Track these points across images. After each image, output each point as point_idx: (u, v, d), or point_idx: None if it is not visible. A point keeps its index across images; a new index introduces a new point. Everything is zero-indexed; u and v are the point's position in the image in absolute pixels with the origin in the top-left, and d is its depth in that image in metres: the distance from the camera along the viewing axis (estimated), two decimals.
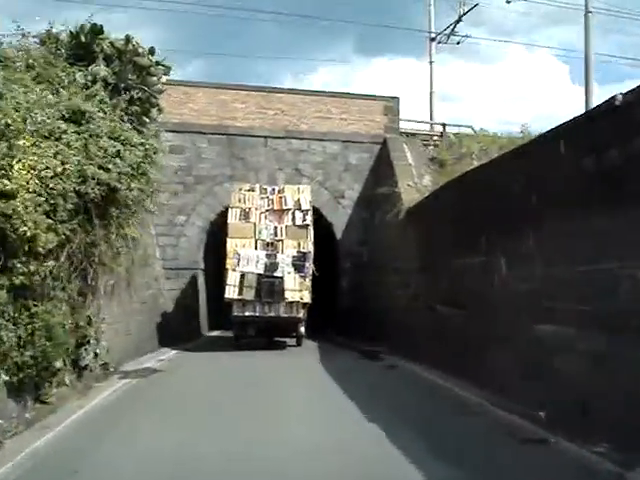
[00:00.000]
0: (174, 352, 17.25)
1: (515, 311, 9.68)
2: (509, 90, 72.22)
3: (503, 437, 7.65)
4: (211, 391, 10.91)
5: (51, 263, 8.51)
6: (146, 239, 18.91)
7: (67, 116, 9.82)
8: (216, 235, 22.47)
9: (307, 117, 22.98)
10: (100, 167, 9.53)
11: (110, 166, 9.73)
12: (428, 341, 14.04)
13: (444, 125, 25.30)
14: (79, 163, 8.94)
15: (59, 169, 8.41)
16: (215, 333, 23.21)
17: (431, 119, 28.93)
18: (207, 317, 23.40)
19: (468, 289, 11.83)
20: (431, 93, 31.55)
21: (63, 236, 8.69)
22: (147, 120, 16.78)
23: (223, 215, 21.44)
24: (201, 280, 22.42)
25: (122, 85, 16.21)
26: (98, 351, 12.72)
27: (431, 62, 32.19)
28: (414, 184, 20.22)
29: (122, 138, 10.63)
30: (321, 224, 22.46)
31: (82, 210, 9.29)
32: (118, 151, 10.16)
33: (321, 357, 16.28)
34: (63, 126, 9.34)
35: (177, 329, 20.56)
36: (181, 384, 11.74)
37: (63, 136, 9.18)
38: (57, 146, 8.81)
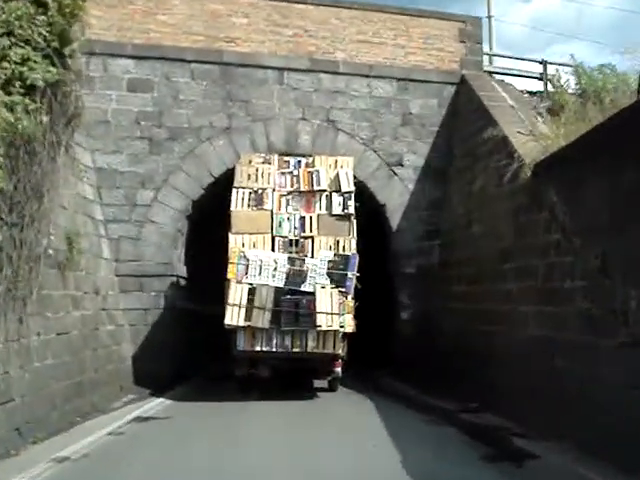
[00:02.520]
0: (112, 426, 9.34)
1: None
2: None
3: None
4: None
5: None
6: (78, 224, 11.24)
7: None
8: (204, 223, 14.89)
9: (344, 41, 15.19)
10: None
11: None
12: None
13: (545, 63, 17.36)
14: None
15: None
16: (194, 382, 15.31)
17: None
18: (189, 350, 15.46)
19: None
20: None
21: None
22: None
23: (215, 190, 14.02)
24: (181, 293, 14.50)
25: None
26: None
27: (489, 17, 24.30)
28: (528, 131, 12.31)
29: None
30: (367, 206, 14.83)
31: None
32: None
33: (391, 439, 8.35)
34: None
35: (140, 371, 13.15)
36: None
37: None
38: None
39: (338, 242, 12.19)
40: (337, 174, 12.80)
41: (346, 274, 11.90)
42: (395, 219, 15.03)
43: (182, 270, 14.57)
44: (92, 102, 13.52)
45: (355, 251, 12.18)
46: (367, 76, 15.11)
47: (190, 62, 14.20)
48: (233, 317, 11.33)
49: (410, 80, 15.35)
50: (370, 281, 14.76)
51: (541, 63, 17.49)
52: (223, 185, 14.04)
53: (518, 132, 12.27)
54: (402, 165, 15.15)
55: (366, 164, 14.90)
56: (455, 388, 11.76)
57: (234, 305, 11.39)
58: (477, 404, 10.61)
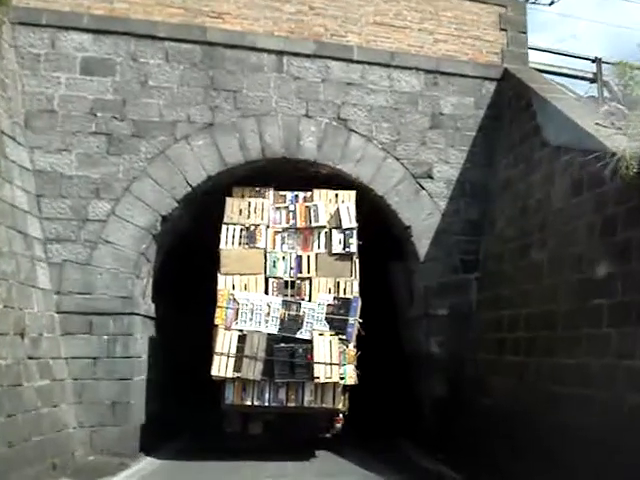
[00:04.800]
0: None
1: None
2: None
3: None
4: None
5: None
6: None
7: None
8: (182, 249, 12.12)
9: (359, 23, 12.42)
10: None
11: None
12: None
13: (599, 62, 14.65)
14: None
15: None
16: (174, 447, 12.11)
17: None
18: (158, 414, 12.29)
19: None
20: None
21: None
22: None
23: (191, 205, 11.16)
24: (145, 336, 11.41)
25: None
26: None
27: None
28: (609, 123, 9.46)
29: None
30: (384, 229, 12.11)
31: None
32: None
33: None
34: None
35: (85, 442, 10.41)
36: None
37: None
38: None
39: (338, 284, 11.24)
40: (337, 209, 11.71)
41: (347, 320, 11.00)
42: (423, 245, 12.02)
43: (148, 307, 11.47)
44: (34, 86, 10.87)
45: (357, 294, 11.14)
46: (388, 66, 12.29)
47: (164, 40, 11.34)
48: (221, 368, 10.46)
49: (440, 73, 12.55)
50: (383, 325, 13.15)
51: (594, 61, 14.79)
52: (207, 199, 11.31)
53: (597, 124, 9.42)
54: (431, 177, 12.22)
55: (386, 175, 12.01)
56: (516, 472, 8.68)
57: (222, 354, 10.53)
58: None
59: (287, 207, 11.77)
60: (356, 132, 11.97)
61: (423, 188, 12.15)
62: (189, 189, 11.21)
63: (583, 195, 8.81)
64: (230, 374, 10.47)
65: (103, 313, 10.52)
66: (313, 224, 11.61)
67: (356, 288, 11.23)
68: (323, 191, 11.88)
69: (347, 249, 11.41)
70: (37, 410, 8.94)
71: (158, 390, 11.98)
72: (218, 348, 10.55)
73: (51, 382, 9.58)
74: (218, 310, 10.78)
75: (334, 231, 11.54)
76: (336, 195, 11.86)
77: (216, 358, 10.49)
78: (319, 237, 11.56)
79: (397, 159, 12.10)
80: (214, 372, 10.43)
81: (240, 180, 11.79)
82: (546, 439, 8.45)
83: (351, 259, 11.38)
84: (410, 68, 12.40)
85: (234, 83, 11.55)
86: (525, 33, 13.44)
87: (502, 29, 13.22)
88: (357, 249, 11.36)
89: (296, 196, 11.85)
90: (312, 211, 11.70)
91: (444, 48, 12.79)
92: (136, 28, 11.23)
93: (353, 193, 11.92)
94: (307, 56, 11.92)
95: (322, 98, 11.91)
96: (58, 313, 10.28)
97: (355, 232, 11.47)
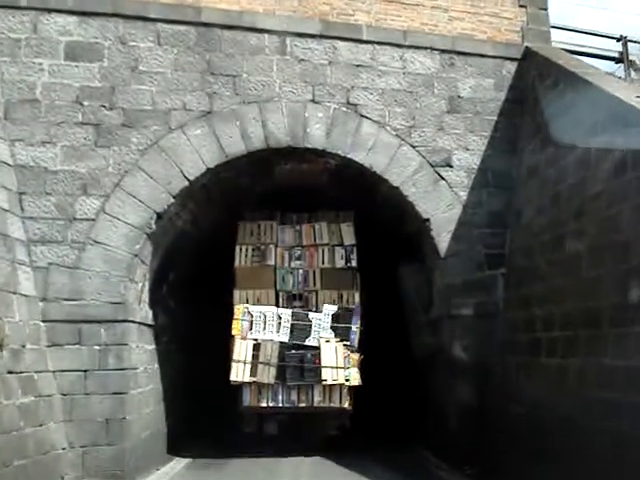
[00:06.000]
0: None
1: None
2: None
3: None
4: None
5: None
6: None
7: None
8: (187, 252, 11.40)
9: (368, 0, 11.47)
10: None
11: None
12: None
13: (625, 40, 13.73)
14: None
15: None
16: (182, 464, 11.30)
17: None
18: (165, 426, 11.45)
19: None
20: None
21: None
22: None
23: (188, 200, 10.28)
24: (142, 345, 10.53)
25: None
26: None
27: None
28: None
29: None
30: (398, 223, 11.32)
31: None
32: None
33: None
34: None
35: (77, 464, 9.43)
36: None
37: None
38: None
39: (342, 295, 12.45)
40: (339, 227, 12.91)
41: (350, 327, 12.20)
42: (443, 240, 11.06)
43: (144, 314, 10.57)
44: (14, 74, 10.00)
45: (359, 304, 12.30)
46: (400, 46, 11.34)
47: (155, 21, 10.44)
48: (238, 373, 11.71)
49: (457, 53, 11.60)
50: (396, 329, 13.75)
51: (619, 40, 13.87)
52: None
53: (637, 97, 8.49)
54: (451, 166, 11.26)
55: (402, 164, 11.06)
56: None
57: (239, 361, 11.76)
58: None
59: (293, 227, 12.98)
60: (367, 118, 11.02)
61: (442, 177, 11.18)
62: (186, 183, 10.31)
63: (627, 175, 7.85)
64: (247, 379, 11.69)
65: (94, 321, 9.58)
66: (317, 242, 12.81)
67: (357, 299, 12.35)
68: (326, 212, 13.00)
69: (349, 264, 12.62)
70: (19, 430, 8.03)
71: (169, 399, 11.72)
72: (235, 356, 11.73)
73: (36, 398, 8.66)
74: (234, 322, 11.96)
75: (336, 248, 12.74)
76: (337, 215, 12.99)
77: (234, 365, 11.66)
78: (323, 253, 12.75)
79: (413, 146, 11.14)
80: (233, 377, 11.60)
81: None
82: (591, 451, 7.49)
83: (352, 272, 12.55)
84: (424, 48, 11.44)
85: (233, 67, 10.63)
86: (546, 10, 12.47)
87: (521, 5, 12.24)
88: (357, 263, 12.49)
89: (300, 217, 13.05)
90: (316, 230, 12.92)
91: (460, 26, 11.83)
92: (125, 9, 10.33)
93: (351, 213, 12.96)
94: (312, 36, 10.99)
95: (329, 82, 10.96)
96: (44, 322, 9.35)
97: (355, 248, 12.59)
